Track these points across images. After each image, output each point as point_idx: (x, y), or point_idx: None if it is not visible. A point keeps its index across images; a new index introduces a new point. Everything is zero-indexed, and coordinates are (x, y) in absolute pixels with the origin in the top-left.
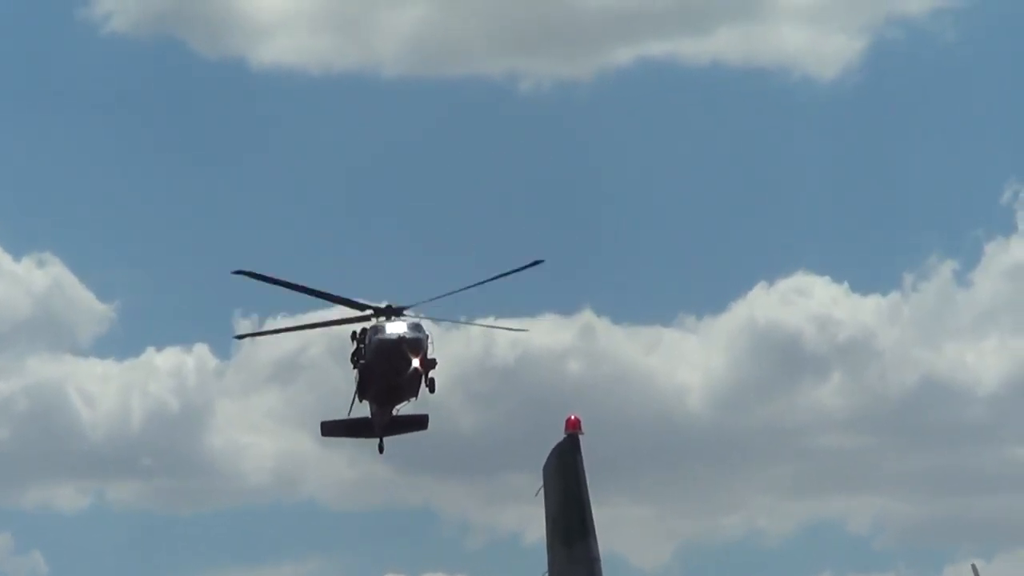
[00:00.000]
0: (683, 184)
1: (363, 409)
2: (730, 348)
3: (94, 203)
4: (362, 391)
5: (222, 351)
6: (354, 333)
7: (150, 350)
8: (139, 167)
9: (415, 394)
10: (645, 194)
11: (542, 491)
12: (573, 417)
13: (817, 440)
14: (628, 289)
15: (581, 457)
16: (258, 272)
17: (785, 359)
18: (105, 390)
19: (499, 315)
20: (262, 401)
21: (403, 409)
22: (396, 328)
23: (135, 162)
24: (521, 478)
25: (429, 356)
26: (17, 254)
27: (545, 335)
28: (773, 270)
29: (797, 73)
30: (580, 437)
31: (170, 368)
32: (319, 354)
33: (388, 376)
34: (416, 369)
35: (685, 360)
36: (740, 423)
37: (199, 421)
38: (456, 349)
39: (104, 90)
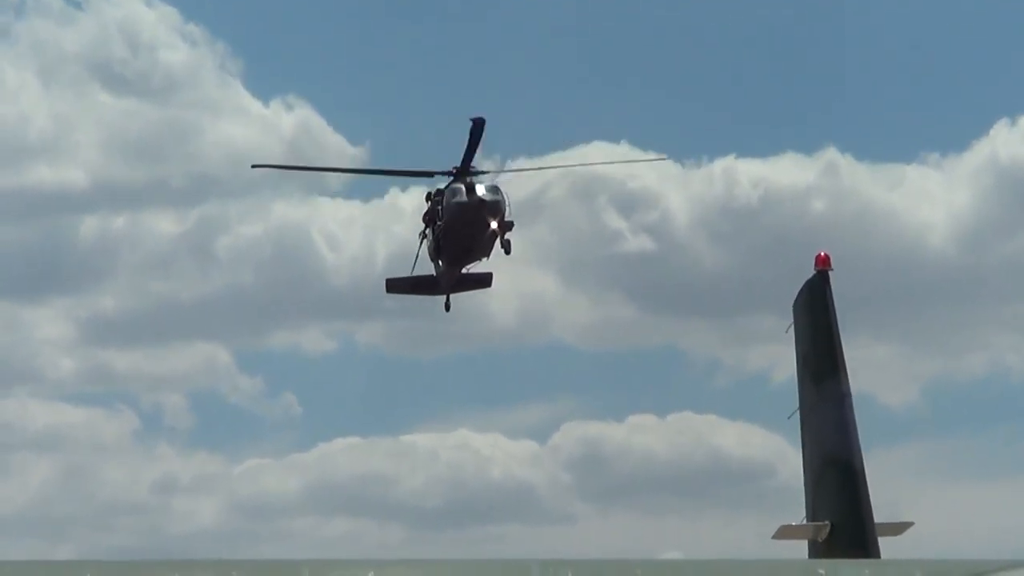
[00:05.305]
0: (924, 22)
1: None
2: (973, 185)
3: (341, 45)
4: (435, 251)
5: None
6: (429, 193)
7: (394, 190)
8: (384, 9)
9: (487, 254)
10: (886, 33)
11: (792, 328)
12: (823, 254)
13: None
14: (871, 127)
15: (831, 293)
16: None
17: None
18: (351, 231)
19: (740, 154)
20: None
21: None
22: (474, 189)
23: (380, 4)
24: (767, 318)
25: (507, 218)
26: (266, 98)
27: (787, 174)
28: (1015, 107)
29: None
30: (830, 273)
31: (415, 208)
32: (561, 195)
33: (464, 237)
34: (493, 231)
35: (928, 198)
36: (984, 261)
37: None
38: (698, 189)
39: None
